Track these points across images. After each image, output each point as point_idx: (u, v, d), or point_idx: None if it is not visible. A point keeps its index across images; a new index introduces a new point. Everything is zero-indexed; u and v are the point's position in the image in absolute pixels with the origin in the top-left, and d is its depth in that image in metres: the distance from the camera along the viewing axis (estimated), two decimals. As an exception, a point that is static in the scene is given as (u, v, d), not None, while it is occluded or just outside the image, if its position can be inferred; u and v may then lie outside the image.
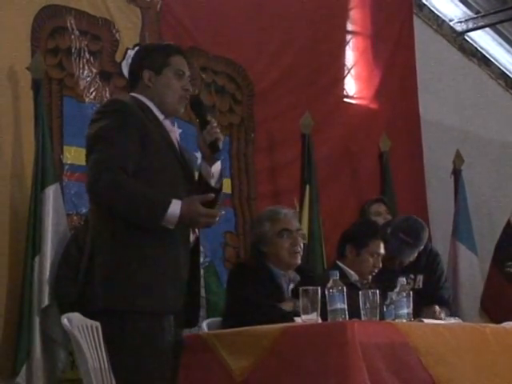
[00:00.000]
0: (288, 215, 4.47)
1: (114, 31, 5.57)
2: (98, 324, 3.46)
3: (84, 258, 3.34)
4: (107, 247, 3.23)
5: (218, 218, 3.26)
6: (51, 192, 4.80)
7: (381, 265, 4.82)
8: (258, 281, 4.25)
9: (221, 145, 3.40)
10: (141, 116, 3.33)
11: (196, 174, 3.54)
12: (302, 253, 4.55)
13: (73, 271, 4.47)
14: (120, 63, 5.50)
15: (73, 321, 3.68)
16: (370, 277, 4.79)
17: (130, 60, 3.66)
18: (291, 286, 4.51)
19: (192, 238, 3.44)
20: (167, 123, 3.45)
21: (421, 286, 5.10)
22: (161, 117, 3.42)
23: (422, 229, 5.27)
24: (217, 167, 3.50)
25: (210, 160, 3.48)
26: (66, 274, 4.56)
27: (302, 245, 4.54)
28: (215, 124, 3.46)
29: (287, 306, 4.23)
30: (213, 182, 3.50)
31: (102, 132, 3.24)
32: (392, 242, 5.08)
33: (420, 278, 5.17)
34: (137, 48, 3.96)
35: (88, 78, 5.39)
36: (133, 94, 3.44)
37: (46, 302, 4.65)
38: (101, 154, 3.20)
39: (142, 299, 3.19)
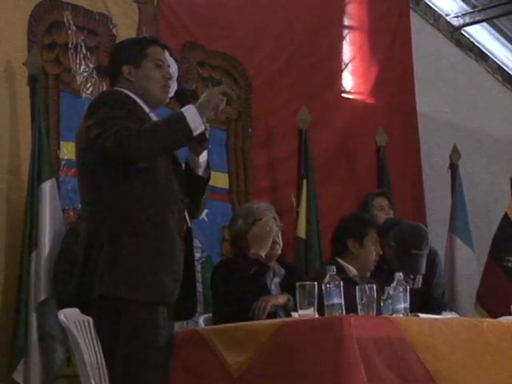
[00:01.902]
0: (261, 208, 4.53)
1: (111, 26, 5.56)
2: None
3: (79, 249, 3.32)
4: (103, 238, 3.22)
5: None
6: (47, 187, 4.79)
7: (381, 251, 4.83)
8: (238, 276, 4.23)
9: (207, 134, 3.40)
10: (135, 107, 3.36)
11: (183, 165, 3.54)
12: (280, 244, 4.60)
13: (72, 266, 4.45)
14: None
15: (69, 316, 3.68)
16: (373, 267, 4.81)
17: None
18: (276, 279, 4.52)
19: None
20: (153, 116, 3.46)
21: (420, 285, 5.06)
22: (146, 109, 3.42)
23: (426, 233, 5.21)
24: (203, 157, 3.52)
25: (196, 150, 3.48)
26: (65, 269, 4.54)
27: (280, 236, 4.55)
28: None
29: (281, 299, 4.23)
30: (200, 172, 3.50)
31: (104, 115, 3.25)
32: (406, 262, 5.00)
33: (419, 277, 5.13)
34: (113, 45, 3.95)
35: (85, 74, 5.37)
36: (117, 88, 3.43)
37: (42, 296, 4.63)
38: (105, 121, 3.22)
39: (138, 289, 3.19)
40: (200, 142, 3.43)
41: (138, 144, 3.16)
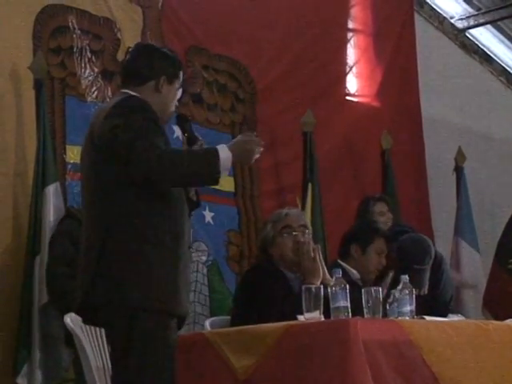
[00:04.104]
0: (290, 214, 4.40)
1: (115, 30, 5.58)
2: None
3: (88, 256, 3.26)
4: (123, 248, 3.17)
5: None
6: (51, 191, 4.80)
7: (385, 262, 4.82)
8: (271, 285, 4.10)
9: None
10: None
11: None
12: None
13: (71, 268, 4.45)
14: (122, 62, 5.47)
15: (76, 320, 3.67)
16: (374, 276, 4.78)
17: (136, 54, 3.56)
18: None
19: None
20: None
21: (426, 292, 5.04)
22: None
23: (429, 247, 5.16)
24: None
25: None
26: (63, 271, 4.53)
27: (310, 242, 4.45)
28: (203, 142, 3.48)
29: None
30: (191, 194, 3.48)
31: (136, 121, 3.19)
32: (408, 277, 4.97)
33: (426, 283, 5.11)
34: (150, 46, 3.88)
35: (90, 77, 5.39)
36: (131, 93, 3.36)
37: (45, 299, 4.63)
38: (138, 139, 3.15)
39: (158, 300, 3.16)
40: None
41: (163, 169, 3.11)
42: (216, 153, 3.19)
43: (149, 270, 3.16)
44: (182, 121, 3.59)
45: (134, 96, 3.34)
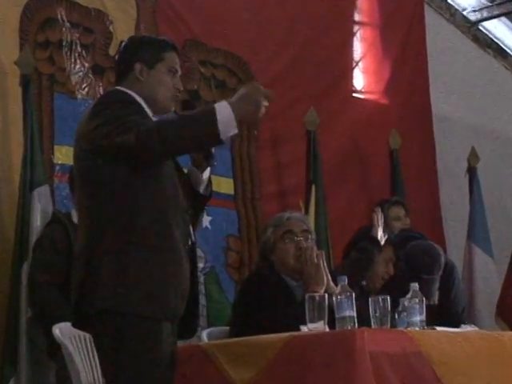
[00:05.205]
0: (292, 218, 4.39)
1: (107, 23, 5.58)
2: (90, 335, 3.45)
3: (76, 261, 3.28)
4: (106, 248, 3.18)
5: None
6: (40, 194, 4.79)
7: (392, 271, 4.81)
8: (272, 293, 4.07)
9: (213, 151, 3.38)
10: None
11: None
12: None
13: (54, 276, 4.45)
14: (114, 57, 5.47)
15: (65, 331, 3.67)
16: (380, 285, 4.78)
17: (122, 48, 3.59)
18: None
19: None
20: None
21: (436, 302, 5.04)
22: (150, 113, 3.39)
23: (438, 255, 5.15)
24: (206, 174, 3.49)
25: (201, 166, 3.46)
26: (46, 279, 4.52)
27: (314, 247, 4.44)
28: None
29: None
30: (201, 189, 3.48)
31: (113, 114, 3.18)
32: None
33: (436, 293, 5.11)
34: (129, 38, 3.91)
35: (80, 73, 5.40)
36: (120, 88, 3.37)
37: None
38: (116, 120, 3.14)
39: (144, 303, 3.16)
40: (205, 156, 3.41)
41: (159, 138, 3.04)
42: (212, 109, 3.10)
43: (130, 274, 3.15)
44: (188, 108, 3.49)
45: (112, 90, 3.35)
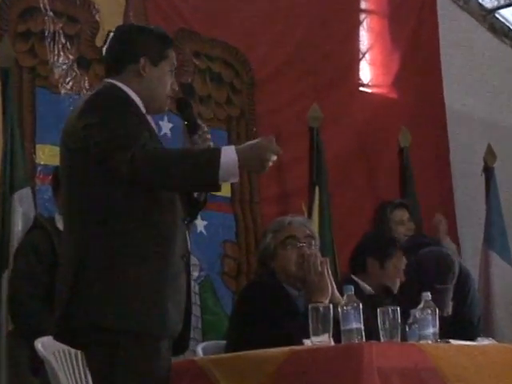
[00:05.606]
0: (294, 222, 4.38)
1: (93, 12, 5.58)
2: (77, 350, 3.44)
3: (62, 272, 3.27)
4: (99, 259, 3.17)
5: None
6: (21, 197, 4.80)
7: (403, 279, 4.82)
8: (272, 303, 4.07)
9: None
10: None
11: None
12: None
13: (37, 288, 4.45)
14: (101, 48, 5.49)
15: (48, 346, 3.67)
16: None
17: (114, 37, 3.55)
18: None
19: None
20: (149, 119, 3.42)
21: (450, 313, 5.04)
22: (143, 110, 3.38)
23: (452, 263, 5.16)
24: None
25: None
26: (28, 291, 4.52)
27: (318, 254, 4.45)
28: (206, 129, 3.44)
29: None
30: (195, 194, 3.48)
31: (110, 118, 3.19)
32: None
33: (449, 303, 5.12)
34: (127, 26, 3.88)
35: (64, 66, 5.41)
36: (115, 83, 3.35)
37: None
38: (109, 134, 3.15)
39: (141, 320, 3.15)
40: None
41: (147, 172, 3.10)
42: (217, 153, 3.14)
43: (125, 287, 3.15)
44: (183, 106, 3.52)
45: (110, 86, 3.33)
